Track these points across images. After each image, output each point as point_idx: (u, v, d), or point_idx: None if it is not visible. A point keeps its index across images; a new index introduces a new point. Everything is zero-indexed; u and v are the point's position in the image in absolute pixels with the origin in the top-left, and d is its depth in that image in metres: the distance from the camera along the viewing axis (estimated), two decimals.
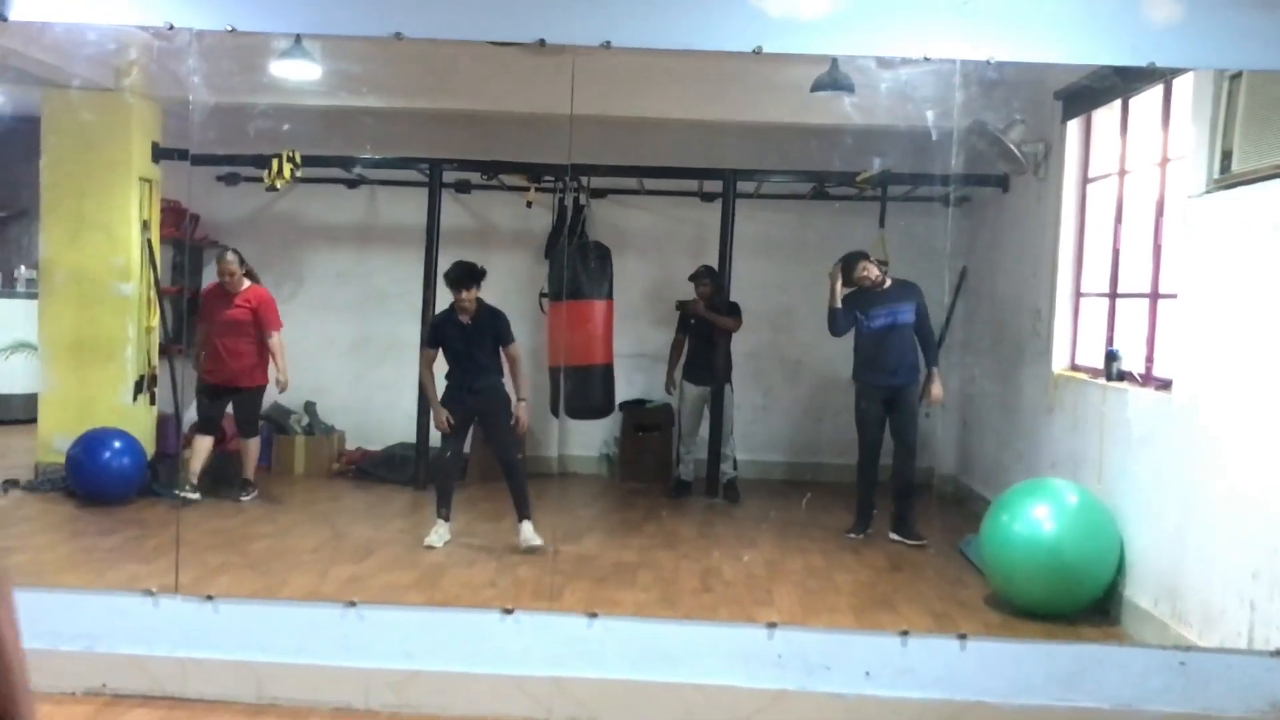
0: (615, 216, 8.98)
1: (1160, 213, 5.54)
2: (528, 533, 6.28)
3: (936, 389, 6.93)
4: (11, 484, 7.43)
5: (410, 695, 4.19)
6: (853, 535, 6.96)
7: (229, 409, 7.51)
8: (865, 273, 6.93)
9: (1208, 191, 4.84)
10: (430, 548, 6.23)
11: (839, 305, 6.98)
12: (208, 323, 7.46)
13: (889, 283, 6.96)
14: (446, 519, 6.39)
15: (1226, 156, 4.73)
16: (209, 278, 8.53)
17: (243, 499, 7.29)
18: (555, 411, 8.06)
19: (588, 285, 8.04)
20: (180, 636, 4.30)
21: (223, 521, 6.80)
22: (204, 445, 7.34)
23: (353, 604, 4.34)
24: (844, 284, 6.98)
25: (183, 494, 7.03)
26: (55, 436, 7.48)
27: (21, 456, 7.95)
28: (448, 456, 6.53)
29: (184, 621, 4.32)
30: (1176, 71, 5.18)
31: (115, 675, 4.25)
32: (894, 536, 6.85)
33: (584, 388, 7.98)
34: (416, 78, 7.45)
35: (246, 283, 7.38)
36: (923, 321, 6.91)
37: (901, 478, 6.95)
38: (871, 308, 6.92)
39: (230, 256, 7.36)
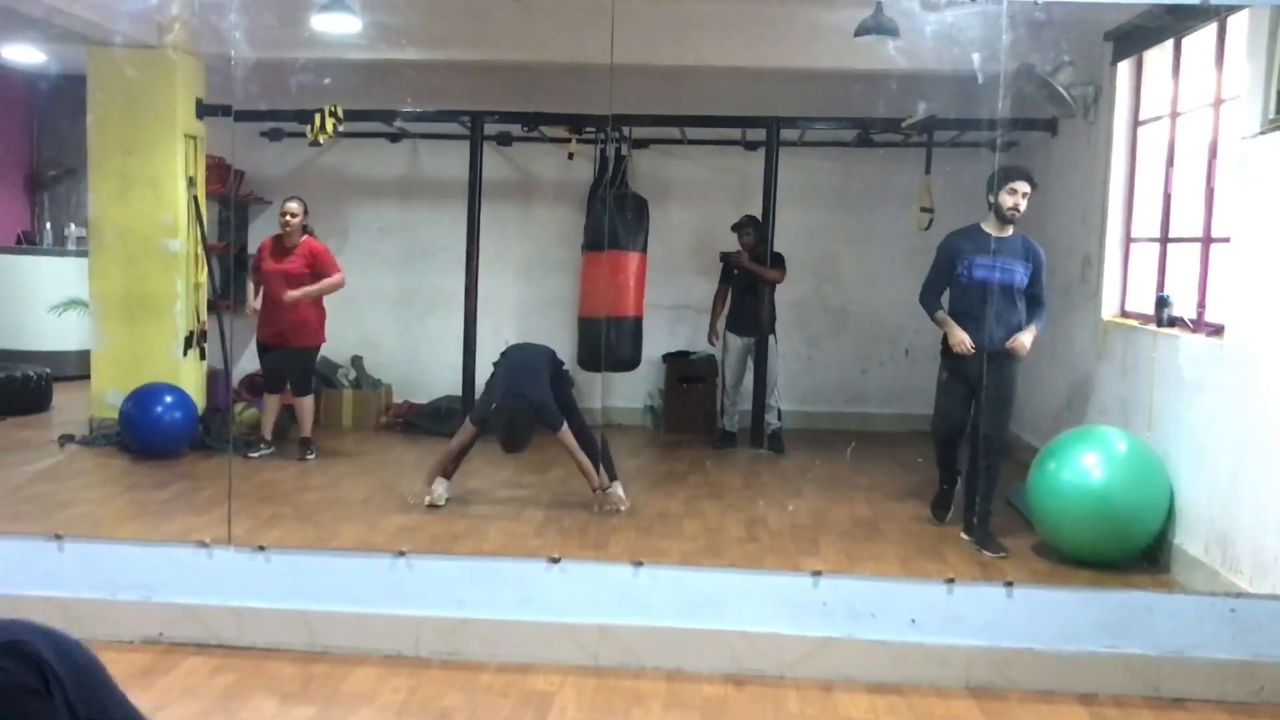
0: (657, 167, 8.94)
1: (1213, 155, 5.43)
2: (616, 494, 6.21)
3: (1024, 339, 5.61)
4: (67, 439, 7.57)
5: (460, 643, 4.25)
6: (932, 521, 6.04)
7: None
8: (1015, 200, 5.57)
9: (1263, 132, 4.73)
10: (433, 506, 6.06)
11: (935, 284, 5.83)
12: (262, 276, 7.39)
13: (1011, 230, 5.66)
14: (449, 477, 6.21)
15: None
16: (255, 233, 8.61)
17: (308, 458, 7.29)
18: (581, 363, 8.03)
19: (623, 236, 8.00)
20: (234, 586, 4.38)
21: (273, 474, 6.90)
22: (273, 403, 7.43)
23: (402, 554, 4.39)
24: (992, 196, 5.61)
25: (257, 453, 7.17)
26: (108, 392, 7.61)
27: (76, 412, 8.10)
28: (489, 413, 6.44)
29: (237, 571, 4.40)
30: (1231, 8, 5.06)
31: (171, 624, 4.34)
32: (964, 538, 5.71)
33: (614, 340, 7.94)
34: (456, 29, 7.43)
35: (302, 237, 7.31)
36: (1036, 285, 5.70)
37: (981, 471, 5.66)
38: (979, 254, 5.64)
39: (294, 204, 7.24)
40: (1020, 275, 5.61)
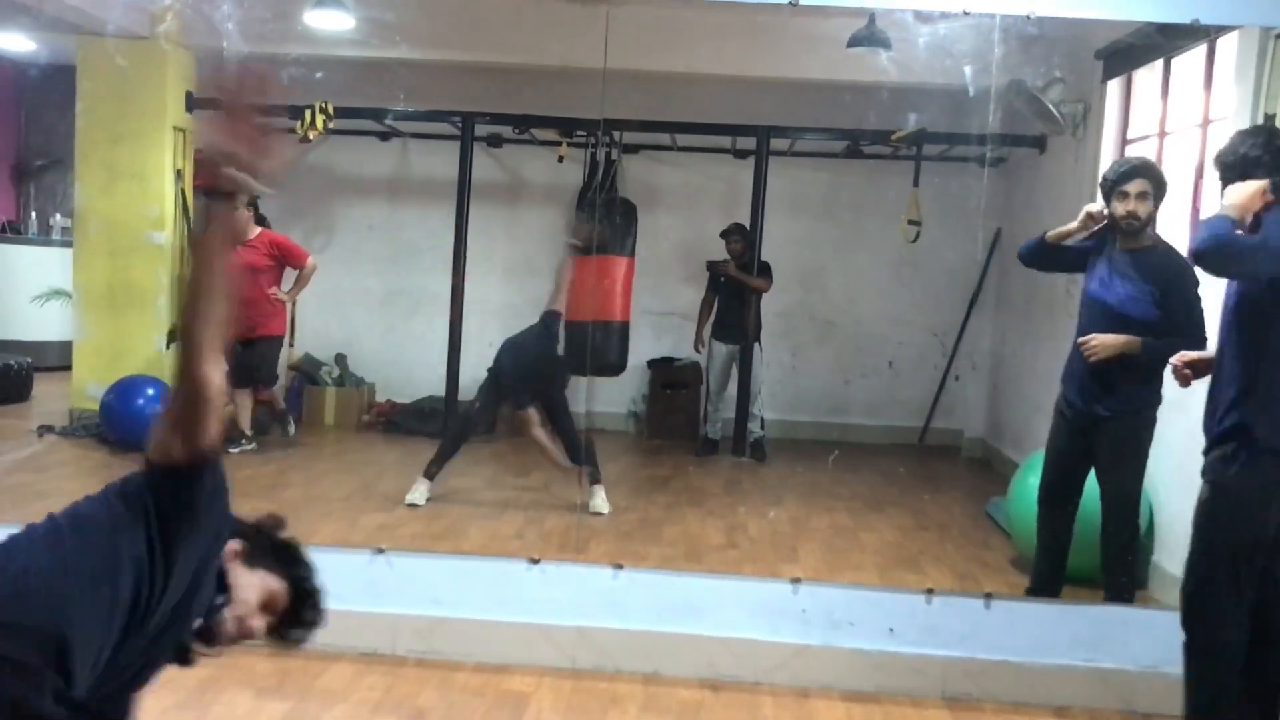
0: (647, 172, 8.94)
1: (1200, 175, 5.46)
2: (598, 499, 6.21)
3: (1106, 339, 4.35)
4: (46, 429, 7.52)
5: (437, 641, 4.24)
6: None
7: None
8: (1129, 206, 4.32)
9: None
10: (413, 505, 6.07)
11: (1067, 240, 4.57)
12: None
13: (1147, 243, 4.41)
14: (431, 478, 6.20)
15: (1270, 119, 4.64)
16: None
17: (289, 431, 7.28)
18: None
19: (611, 241, 8.00)
20: None
21: (254, 470, 6.87)
22: (245, 398, 7.37)
23: (381, 551, 4.38)
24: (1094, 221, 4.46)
25: (237, 449, 7.15)
26: (89, 383, 7.56)
27: (56, 403, 8.05)
28: (471, 414, 6.49)
29: None
30: (1221, 29, 5.09)
31: None
32: None
33: (601, 344, 7.93)
34: (450, 29, 7.43)
35: (256, 229, 7.24)
36: (1175, 316, 4.27)
37: (1109, 544, 4.62)
38: (1100, 268, 4.46)
39: None
40: (1143, 304, 4.32)
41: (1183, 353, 3.74)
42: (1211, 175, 5.22)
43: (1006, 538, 5.91)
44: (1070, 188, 7.10)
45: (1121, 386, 4.41)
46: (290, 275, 7.40)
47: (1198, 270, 3.87)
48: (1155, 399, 4.47)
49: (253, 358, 7.30)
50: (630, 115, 7.66)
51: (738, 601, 4.29)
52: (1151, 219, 4.42)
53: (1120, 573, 4.61)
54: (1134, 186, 4.32)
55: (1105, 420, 4.48)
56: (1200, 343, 4.13)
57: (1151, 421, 4.51)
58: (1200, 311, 4.31)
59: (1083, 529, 5.18)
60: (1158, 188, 4.37)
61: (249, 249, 7.16)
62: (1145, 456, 4.57)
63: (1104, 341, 4.36)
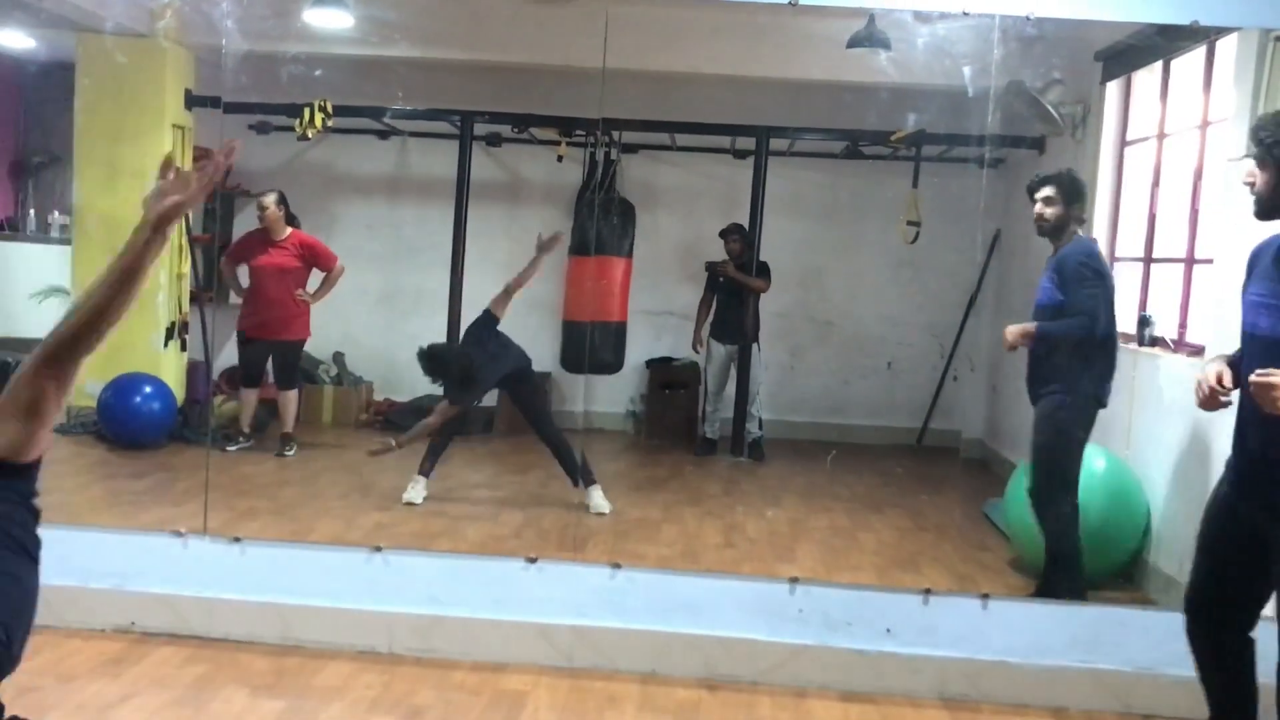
0: (646, 172, 8.94)
1: (1198, 177, 5.46)
2: (597, 498, 6.20)
3: (1012, 328, 4.90)
4: None
5: (434, 640, 4.24)
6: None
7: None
8: (1038, 209, 4.82)
9: (1248, 155, 4.75)
10: (410, 504, 6.07)
11: None
12: (248, 270, 7.35)
13: (1064, 244, 4.82)
14: (427, 475, 6.21)
15: None
16: (240, 226, 8.58)
17: (287, 453, 7.24)
18: (565, 365, 8.06)
19: (609, 241, 8.01)
20: (208, 577, 4.36)
21: (252, 468, 6.86)
22: (251, 397, 7.39)
23: (379, 549, 4.38)
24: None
25: (235, 447, 7.14)
26: (86, 380, 7.51)
27: None
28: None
29: (212, 562, 4.38)
30: (1220, 31, 5.09)
31: (144, 613, 4.31)
32: None
33: (598, 344, 7.94)
34: (449, 28, 7.42)
35: (287, 229, 7.30)
36: (1068, 300, 4.70)
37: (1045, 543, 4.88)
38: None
39: (266, 196, 7.24)
40: (1049, 291, 4.77)
41: (1206, 370, 3.52)
42: (1210, 175, 5.26)
43: (1004, 539, 5.91)
44: None
45: (1044, 371, 4.79)
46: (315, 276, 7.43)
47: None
48: (1078, 384, 4.73)
49: (270, 359, 7.31)
50: (629, 115, 7.65)
51: (735, 601, 4.29)
52: (1061, 220, 4.78)
53: (1051, 568, 4.79)
54: (1040, 193, 4.81)
55: (1034, 404, 4.85)
56: (1089, 324, 4.64)
57: (1073, 406, 4.74)
58: (1089, 295, 4.66)
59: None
60: (1065, 193, 4.79)
61: (279, 249, 7.19)
62: (1069, 441, 4.79)
63: (1011, 330, 4.85)
